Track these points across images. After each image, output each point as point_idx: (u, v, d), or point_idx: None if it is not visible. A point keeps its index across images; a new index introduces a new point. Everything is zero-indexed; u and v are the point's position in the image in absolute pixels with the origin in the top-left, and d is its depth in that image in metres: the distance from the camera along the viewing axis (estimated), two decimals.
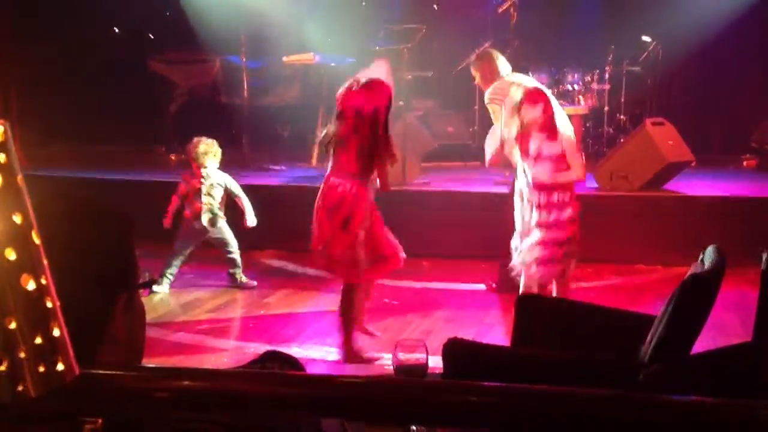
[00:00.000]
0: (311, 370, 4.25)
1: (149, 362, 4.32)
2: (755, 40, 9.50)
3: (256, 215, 6.82)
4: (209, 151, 5.93)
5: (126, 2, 10.10)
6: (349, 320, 4.47)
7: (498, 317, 5.32)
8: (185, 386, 1.18)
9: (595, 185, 7.27)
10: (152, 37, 10.61)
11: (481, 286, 6.04)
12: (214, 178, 5.98)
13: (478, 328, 5.13)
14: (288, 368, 1.67)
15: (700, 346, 2.68)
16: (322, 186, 4.46)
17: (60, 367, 0.97)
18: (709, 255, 2.51)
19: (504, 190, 6.96)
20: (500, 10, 8.66)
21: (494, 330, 5.04)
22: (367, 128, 4.25)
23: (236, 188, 6.06)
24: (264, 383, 1.18)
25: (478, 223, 6.89)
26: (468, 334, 4.94)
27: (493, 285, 5.98)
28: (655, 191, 7.00)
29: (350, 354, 4.45)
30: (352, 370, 4.32)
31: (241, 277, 6.05)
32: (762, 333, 2.20)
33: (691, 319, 2.40)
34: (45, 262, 1.00)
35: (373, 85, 4.33)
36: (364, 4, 10.69)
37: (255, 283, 6.08)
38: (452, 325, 5.18)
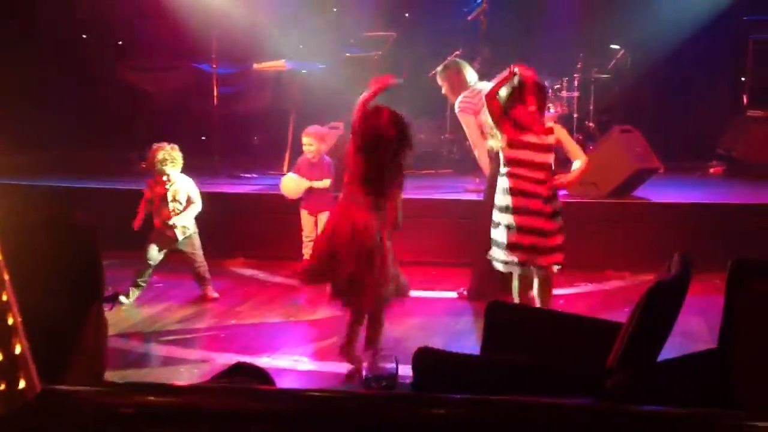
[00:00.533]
0: (281, 381, 4.23)
1: (117, 374, 4.29)
2: (721, 49, 9.65)
3: (227, 223, 6.78)
4: (168, 158, 5.80)
5: (95, 9, 10.02)
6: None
7: (469, 325, 5.34)
8: (150, 402, 1.17)
9: (564, 191, 7.32)
10: (121, 43, 10.53)
11: (453, 294, 6.06)
12: (178, 183, 5.89)
13: (450, 335, 5.15)
14: (256, 381, 1.66)
15: (667, 352, 2.71)
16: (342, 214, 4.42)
17: (21, 384, 0.96)
18: (675, 262, 2.54)
19: (476, 197, 7.01)
20: (470, 18, 8.72)
21: (465, 337, 5.06)
22: (370, 152, 4.26)
23: (195, 195, 5.94)
24: (230, 398, 1.18)
25: (450, 231, 6.91)
26: (439, 341, 4.95)
27: (464, 292, 6.00)
28: (623, 198, 7.06)
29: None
30: (321, 380, 4.31)
31: (212, 293, 5.98)
32: (727, 340, 2.23)
33: (657, 326, 2.43)
34: (7, 277, 0.98)
35: (377, 109, 4.33)
36: (335, 10, 10.70)
37: (216, 294, 5.99)
38: (423, 332, 5.19)
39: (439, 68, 6.25)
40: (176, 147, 5.90)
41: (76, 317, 1.42)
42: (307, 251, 6.74)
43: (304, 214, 6.65)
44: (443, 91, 6.21)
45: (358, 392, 1.81)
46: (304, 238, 6.68)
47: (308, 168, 6.60)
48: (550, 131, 4.74)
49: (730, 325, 2.24)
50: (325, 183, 6.57)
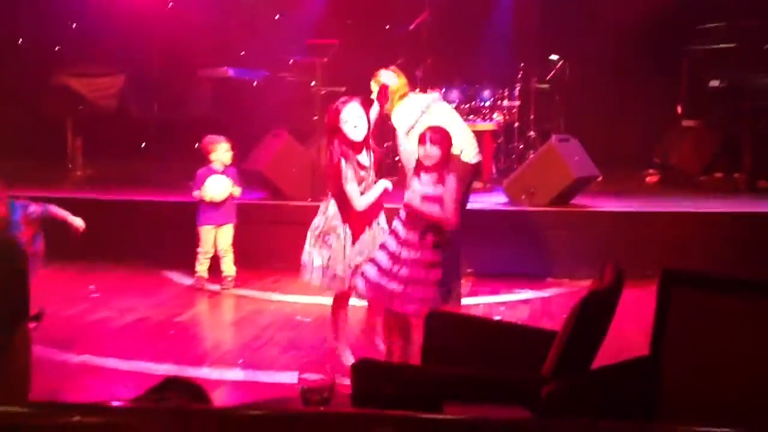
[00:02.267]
0: (219, 393, 4.18)
1: (50, 388, 4.15)
2: (657, 60, 9.88)
3: (166, 232, 6.63)
4: None
5: (31, 13, 9.80)
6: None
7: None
8: (76, 422, 1.15)
9: (505, 200, 7.43)
10: (58, 49, 10.31)
11: None
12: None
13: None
14: (189, 396, 1.63)
15: (603, 358, 2.76)
16: None
17: None
18: (607, 271, 2.58)
19: None
20: (412, 27, 8.78)
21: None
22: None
23: (38, 212, 5.10)
24: (159, 419, 1.16)
25: None
26: (380, 350, 4.95)
27: None
28: (562, 206, 7.17)
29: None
30: (260, 391, 4.26)
31: None
32: (658, 348, 2.28)
33: (590, 334, 2.47)
34: None
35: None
36: (277, 17, 10.67)
37: None
38: (364, 341, 5.17)
39: (377, 72, 6.23)
40: None
41: (7, 337, 1.38)
42: (202, 268, 6.46)
43: (207, 229, 6.40)
44: (373, 95, 6.18)
45: (293, 411, 1.79)
46: (201, 253, 6.40)
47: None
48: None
49: (661, 333, 2.29)
50: (240, 191, 6.46)
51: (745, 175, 8.23)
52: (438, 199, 4.15)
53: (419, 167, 4.25)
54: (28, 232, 5.02)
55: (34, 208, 5.09)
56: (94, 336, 5.24)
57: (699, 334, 2.30)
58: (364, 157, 4.46)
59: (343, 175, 4.35)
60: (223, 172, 6.38)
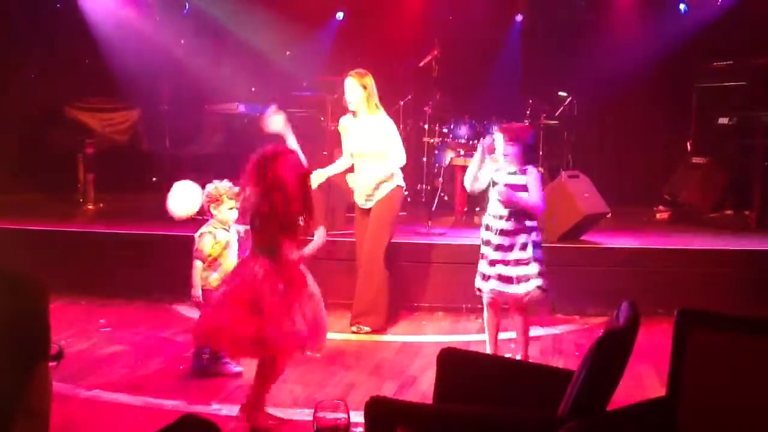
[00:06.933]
0: (229, 430, 4.15)
1: (64, 423, 4.13)
2: (665, 96, 9.93)
3: (176, 265, 6.65)
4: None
5: (42, 48, 9.92)
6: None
7: (421, 368, 5.31)
8: None
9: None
10: (71, 84, 10.41)
11: (405, 337, 6.04)
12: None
13: (402, 380, 5.11)
14: None
15: (617, 397, 2.74)
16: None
17: None
18: (623, 311, 2.57)
19: (424, 240, 7.08)
20: (422, 64, 8.85)
21: (418, 382, 5.03)
22: (279, 197, 4.03)
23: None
24: None
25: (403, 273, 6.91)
26: (391, 387, 4.93)
27: None
28: (572, 242, 7.16)
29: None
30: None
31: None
32: (675, 390, 2.26)
33: (607, 374, 2.45)
34: None
35: (281, 151, 4.20)
36: (288, 54, 10.77)
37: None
38: (375, 377, 5.15)
39: (363, 71, 6.25)
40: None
41: (20, 378, 1.37)
42: None
43: None
44: (356, 95, 6.12)
45: None
46: None
47: None
48: None
49: (678, 374, 2.28)
50: None
51: (755, 213, 8.21)
52: (523, 188, 4.96)
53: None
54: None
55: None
56: (105, 370, 5.23)
57: (717, 374, 2.28)
58: None
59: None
60: None
